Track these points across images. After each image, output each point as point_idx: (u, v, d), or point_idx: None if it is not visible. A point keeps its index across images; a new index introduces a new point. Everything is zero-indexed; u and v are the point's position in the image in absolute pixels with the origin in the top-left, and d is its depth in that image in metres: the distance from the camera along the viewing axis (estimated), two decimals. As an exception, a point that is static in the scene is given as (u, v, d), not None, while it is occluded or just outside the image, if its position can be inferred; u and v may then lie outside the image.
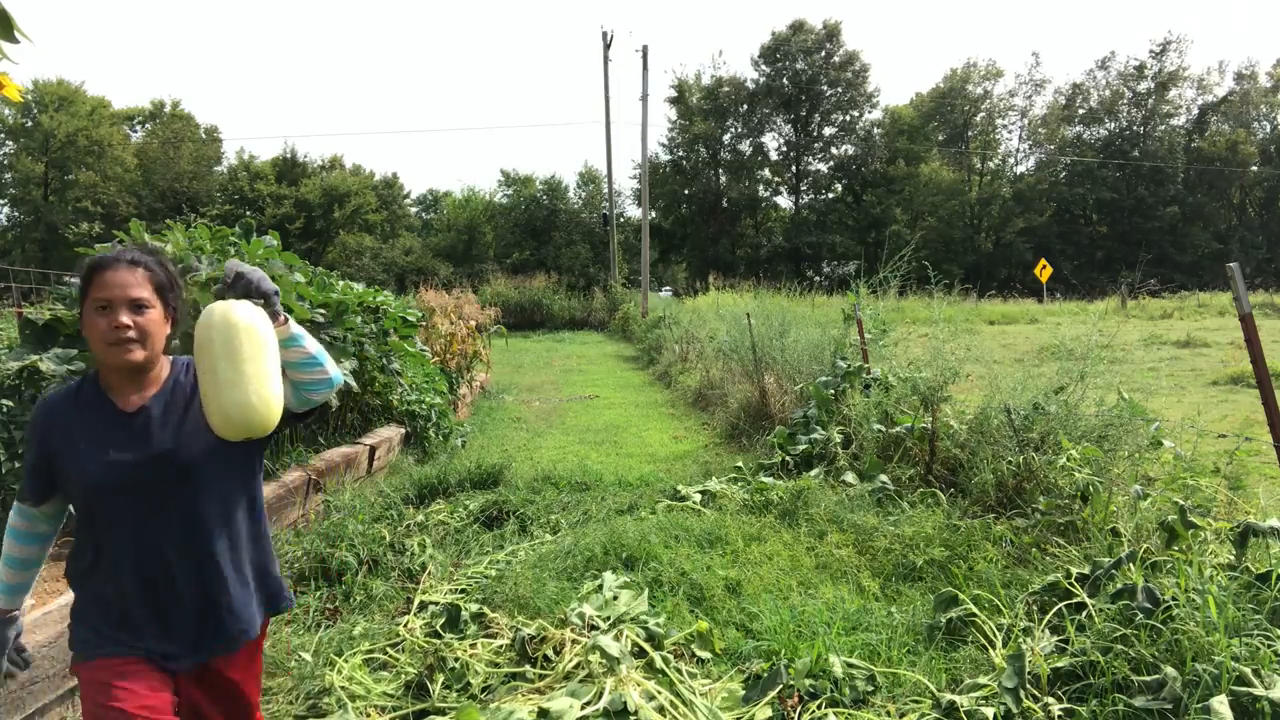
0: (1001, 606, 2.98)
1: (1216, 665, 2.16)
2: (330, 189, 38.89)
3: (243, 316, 1.52)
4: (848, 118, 42.56)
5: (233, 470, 1.68)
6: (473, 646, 2.92)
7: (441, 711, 2.54)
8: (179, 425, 1.61)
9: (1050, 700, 2.35)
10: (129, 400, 1.62)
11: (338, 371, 1.73)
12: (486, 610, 3.20)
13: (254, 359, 1.49)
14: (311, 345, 1.68)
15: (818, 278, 31.03)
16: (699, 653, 2.91)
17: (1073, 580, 2.89)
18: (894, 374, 5.53)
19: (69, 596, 2.65)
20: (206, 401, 1.53)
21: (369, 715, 2.54)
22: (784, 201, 45.01)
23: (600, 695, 2.44)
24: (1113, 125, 43.36)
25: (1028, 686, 2.40)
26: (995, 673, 2.53)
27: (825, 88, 41.63)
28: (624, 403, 10.22)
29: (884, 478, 4.65)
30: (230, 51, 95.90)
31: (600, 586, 3.34)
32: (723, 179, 42.49)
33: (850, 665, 2.68)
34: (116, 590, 1.59)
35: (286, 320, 1.63)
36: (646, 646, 2.78)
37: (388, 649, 3.00)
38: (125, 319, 1.53)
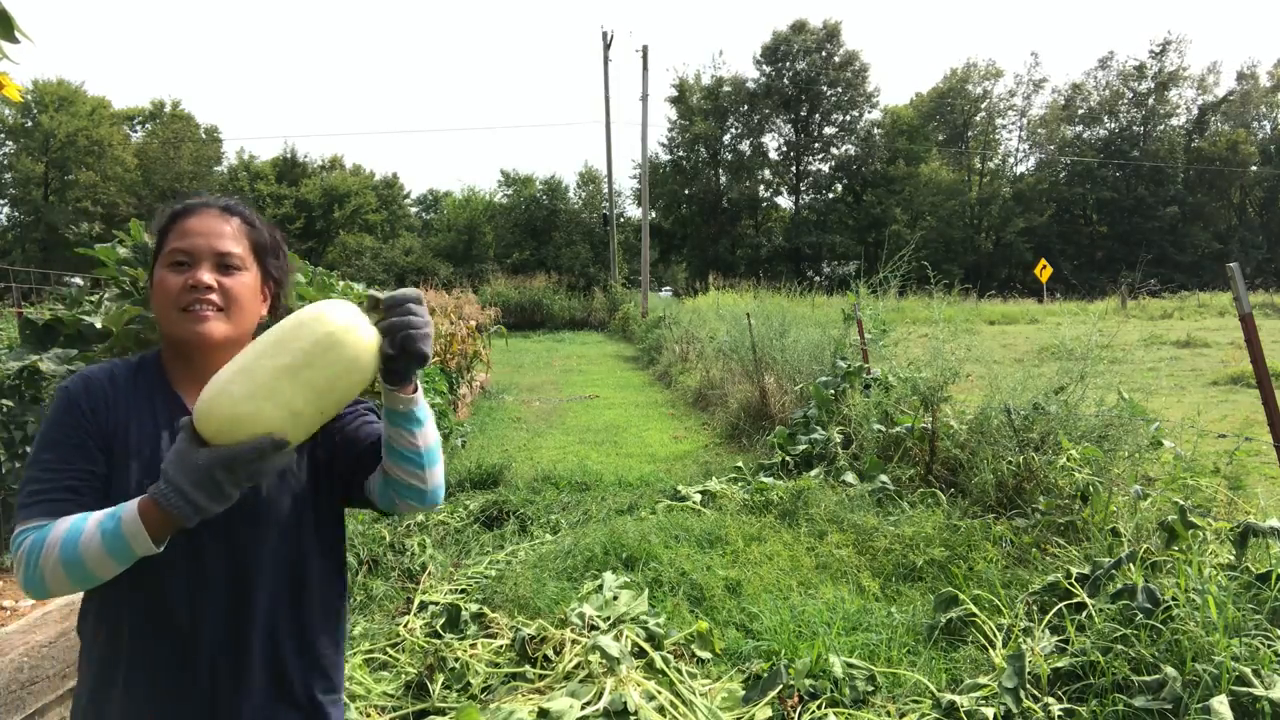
0: (1001, 606, 2.98)
1: (1216, 665, 2.16)
2: (330, 189, 38.95)
3: (352, 337, 1.01)
4: (848, 118, 42.60)
5: (315, 523, 1.22)
6: (473, 646, 2.92)
7: (441, 711, 2.54)
8: None
9: (1050, 700, 2.35)
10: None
11: (439, 486, 1.19)
12: (486, 610, 3.20)
13: (301, 383, 0.98)
14: (426, 438, 1.14)
15: (818, 278, 31.02)
16: (699, 653, 2.91)
17: (1073, 580, 2.89)
18: (894, 374, 5.53)
19: (70, 596, 2.65)
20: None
21: (369, 715, 2.54)
22: (784, 201, 45.05)
23: (600, 695, 2.44)
24: (1113, 125, 43.39)
25: (1028, 686, 2.40)
26: (995, 673, 2.53)
27: (825, 88, 41.66)
28: (624, 403, 10.21)
29: (884, 478, 4.65)
30: (230, 51, 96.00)
31: (600, 586, 3.34)
32: (723, 179, 42.51)
33: (850, 665, 2.68)
34: (111, 667, 1.13)
35: (416, 390, 1.11)
36: (646, 646, 2.78)
37: (388, 649, 3.00)
38: (207, 277, 1.14)
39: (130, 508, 0.98)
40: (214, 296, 1.15)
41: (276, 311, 1.26)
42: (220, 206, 1.21)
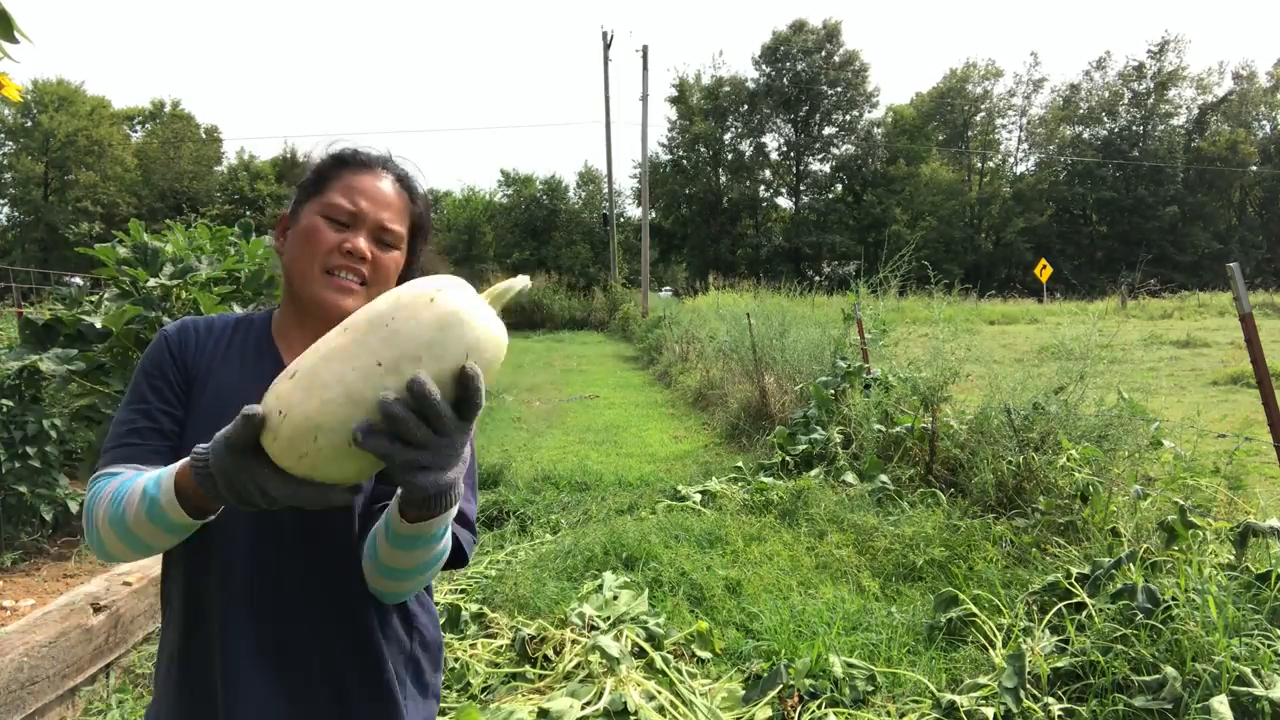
0: (1001, 606, 2.98)
1: (1216, 665, 2.16)
2: (330, 189, 38.98)
3: (478, 324, 0.76)
4: (848, 118, 42.64)
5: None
6: (473, 646, 2.92)
7: (441, 712, 2.54)
8: None
9: (1050, 700, 2.35)
10: None
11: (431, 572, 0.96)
12: (486, 610, 3.20)
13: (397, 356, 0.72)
14: (439, 545, 0.91)
15: (818, 278, 31.03)
16: (699, 653, 2.91)
17: (1073, 580, 2.89)
18: (894, 374, 5.53)
19: (70, 596, 2.65)
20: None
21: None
22: (784, 201, 45.10)
23: (600, 695, 2.44)
24: (1112, 125, 43.41)
25: (1028, 686, 2.40)
26: (995, 673, 2.53)
27: (825, 87, 41.70)
28: (624, 403, 10.21)
29: (884, 478, 4.65)
30: (230, 51, 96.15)
31: (600, 586, 3.34)
32: (723, 179, 42.55)
33: (850, 665, 2.68)
34: (167, 666, 1.03)
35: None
36: (646, 646, 2.78)
37: (388, 649, 2.99)
38: (365, 246, 1.03)
39: (171, 471, 0.85)
40: (364, 269, 1.04)
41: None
42: (397, 174, 1.10)
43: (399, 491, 0.83)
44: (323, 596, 0.99)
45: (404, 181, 1.10)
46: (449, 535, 0.94)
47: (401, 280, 1.11)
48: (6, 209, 37.66)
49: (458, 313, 0.75)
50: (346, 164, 1.07)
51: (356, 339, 0.73)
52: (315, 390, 0.71)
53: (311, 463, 0.72)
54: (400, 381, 0.70)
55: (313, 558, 0.99)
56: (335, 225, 1.03)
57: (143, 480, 0.88)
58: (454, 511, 0.86)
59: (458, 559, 1.01)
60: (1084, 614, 2.69)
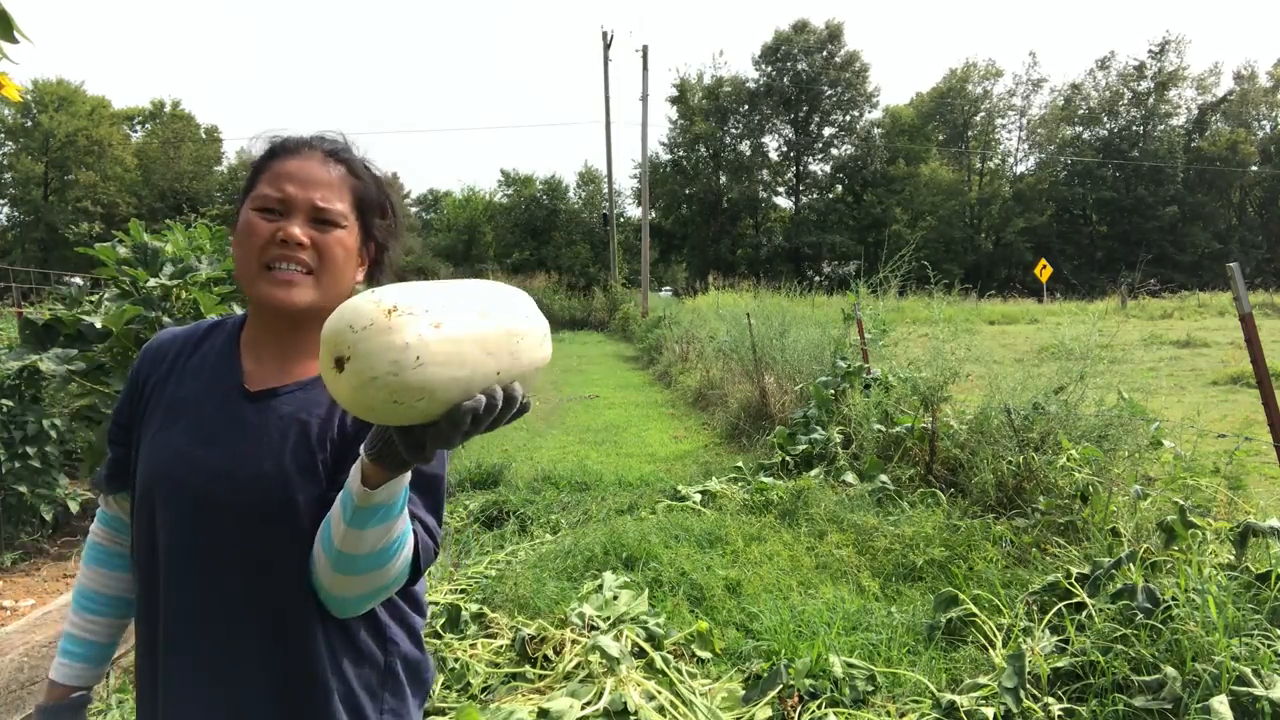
0: (1001, 606, 2.98)
1: (1216, 665, 2.16)
2: (330, 189, 38.98)
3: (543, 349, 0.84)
4: (848, 118, 42.65)
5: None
6: (473, 646, 2.92)
7: (441, 711, 2.54)
8: (310, 445, 0.97)
9: (1050, 700, 2.35)
10: (259, 370, 1.02)
11: (392, 582, 0.91)
12: (486, 610, 3.20)
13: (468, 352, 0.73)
14: (394, 534, 0.87)
15: (818, 278, 31.01)
16: (699, 653, 2.92)
17: (1073, 580, 2.89)
18: (894, 374, 5.53)
19: (70, 596, 2.65)
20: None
21: (369, 715, 2.54)
22: (784, 201, 45.13)
23: (600, 695, 2.44)
24: (1112, 125, 43.42)
25: (1028, 686, 2.40)
26: (995, 673, 2.53)
27: (826, 88, 41.71)
28: (624, 402, 10.21)
29: (884, 478, 4.65)
30: (230, 51, 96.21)
31: (600, 586, 3.34)
32: (723, 179, 42.55)
33: (850, 665, 2.68)
34: (139, 674, 1.05)
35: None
36: (646, 646, 2.78)
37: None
38: (299, 231, 0.96)
39: (57, 653, 1.15)
40: (305, 256, 0.97)
41: (376, 278, 1.07)
42: (325, 150, 1.03)
43: (365, 453, 0.80)
44: (269, 617, 0.94)
45: (336, 155, 1.03)
46: (407, 525, 0.89)
47: (374, 265, 1.07)
48: (6, 209, 37.71)
49: (545, 361, 0.85)
50: (275, 154, 1.02)
51: (497, 339, 0.77)
52: (453, 365, 0.73)
53: (387, 409, 0.72)
54: (498, 389, 0.77)
55: (259, 579, 0.95)
56: (267, 216, 0.97)
57: (78, 580, 1.15)
58: (408, 477, 0.84)
59: (412, 575, 0.95)
60: (1084, 614, 2.69)
